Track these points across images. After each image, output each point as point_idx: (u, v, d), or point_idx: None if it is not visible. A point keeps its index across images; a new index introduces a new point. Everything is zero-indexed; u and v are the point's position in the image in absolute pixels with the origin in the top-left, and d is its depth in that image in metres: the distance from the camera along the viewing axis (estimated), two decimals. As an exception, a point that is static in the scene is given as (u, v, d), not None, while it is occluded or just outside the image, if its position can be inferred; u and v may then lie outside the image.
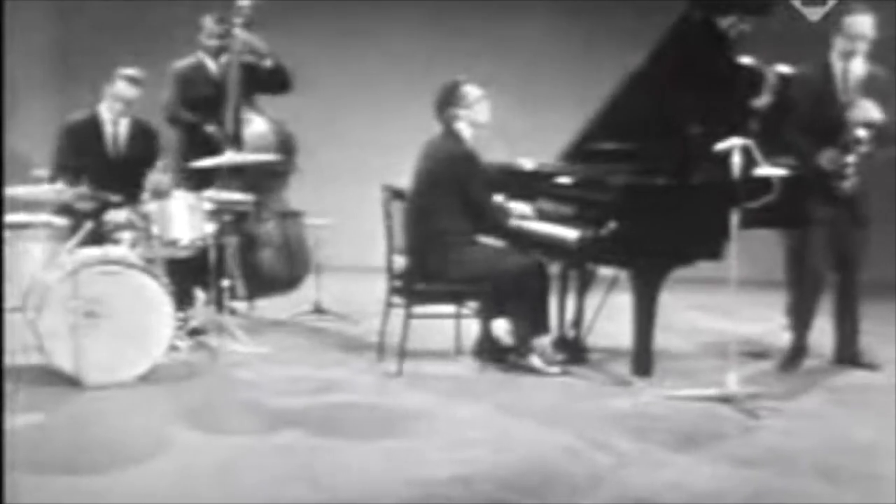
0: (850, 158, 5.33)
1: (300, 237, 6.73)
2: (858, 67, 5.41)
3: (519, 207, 5.64)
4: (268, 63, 6.40)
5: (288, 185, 6.71)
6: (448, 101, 5.45)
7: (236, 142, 6.29)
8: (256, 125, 6.50)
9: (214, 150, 6.10)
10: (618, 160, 5.64)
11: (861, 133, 5.28)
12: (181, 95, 6.46)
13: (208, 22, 6.48)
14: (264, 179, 6.46)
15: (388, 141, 8.06)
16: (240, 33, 6.31)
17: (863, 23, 5.35)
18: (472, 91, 5.46)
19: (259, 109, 6.57)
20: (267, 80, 6.44)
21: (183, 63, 6.52)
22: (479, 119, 5.48)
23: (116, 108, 5.84)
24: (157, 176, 5.76)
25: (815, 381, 5.41)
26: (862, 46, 5.38)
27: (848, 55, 5.40)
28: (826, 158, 5.34)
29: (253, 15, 6.32)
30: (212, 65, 6.52)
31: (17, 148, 7.01)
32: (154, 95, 6.28)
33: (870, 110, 5.28)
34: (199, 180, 5.94)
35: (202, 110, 6.41)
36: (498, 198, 5.65)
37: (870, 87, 5.37)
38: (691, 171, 5.27)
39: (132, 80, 5.83)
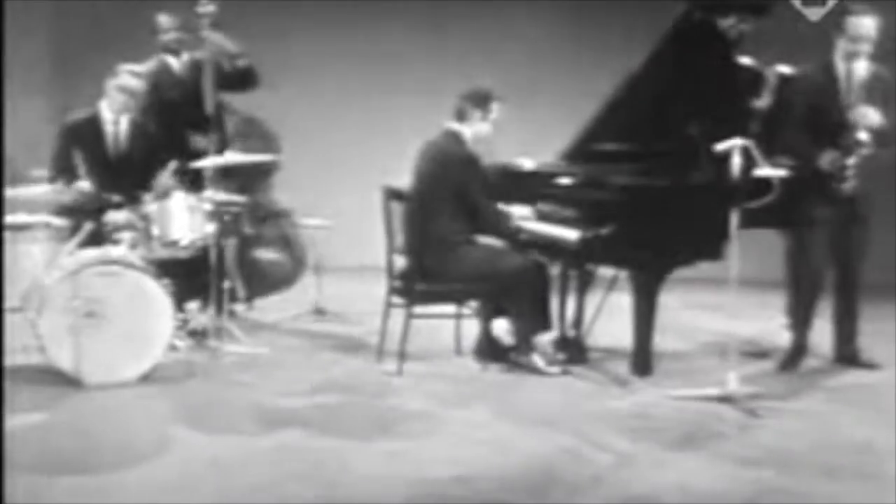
0: (851, 161, 5.32)
1: (294, 235, 6.73)
2: (862, 69, 5.39)
3: (519, 211, 5.63)
4: (240, 63, 6.32)
5: (273, 183, 6.69)
6: (476, 100, 5.49)
7: (223, 143, 6.25)
8: (235, 125, 6.47)
9: (197, 155, 6.05)
10: (618, 160, 5.64)
11: (863, 136, 5.28)
12: (151, 100, 6.29)
13: (162, 19, 6.38)
14: (252, 179, 6.44)
15: (388, 141, 8.06)
16: (210, 35, 6.21)
17: (866, 24, 5.34)
18: (496, 108, 5.52)
19: (236, 108, 6.52)
20: (233, 79, 6.35)
21: (146, 67, 6.32)
22: (483, 131, 5.50)
23: (120, 100, 5.80)
24: (165, 179, 5.73)
25: (814, 381, 5.42)
26: (865, 48, 5.36)
27: (851, 56, 5.39)
28: (826, 160, 5.34)
29: (219, 14, 6.21)
30: (175, 64, 6.43)
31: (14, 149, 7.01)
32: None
33: (869, 116, 5.28)
34: (189, 183, 5.92)
35: (175, 113, 6.33)
36: (500, 204, 5.64)
37: (873, 89, 5.36)
38: (691, 171, 5.27)
39: (135, 74, 5.82)
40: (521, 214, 5.61)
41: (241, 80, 6.34)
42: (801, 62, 5.61)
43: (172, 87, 6.38)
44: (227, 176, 6.09)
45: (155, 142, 6.03)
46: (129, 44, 6.51)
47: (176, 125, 6.28)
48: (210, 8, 6.09)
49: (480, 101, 5.50)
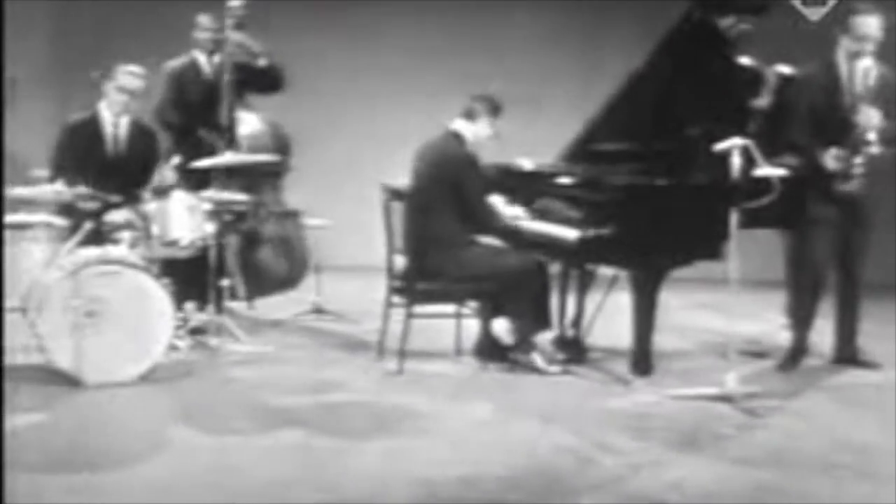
0: (858, 160, 5.32)
1: (298, 236, 6.74)
2: (866, 68, 5.38)
3: (512, 211, 5.63)
4: (261, 62, 6.37)
5: (283, 184, 6.71)
6: (488, 104, 5.52)
7: (231, 142, 6.27)
8: (250, 125, 6.50)
9: (207, 152, 6.08)
10: (618, 160, 5.64)
11: (870, 136, 5.27)
12: (173, 96, 6.42)
13: (202, 18, 6.44)
14: (260, 179, 6.46)
15: (388, 141, 8.05)
16: (232, 34, 6.27)
17: (871, 24, 5.33)
18: (501, 120, 5.55)
19: (253, 109, 6.55)
20: (259, 80, 6.40)
21: (176, 63, 6.48)
22: (484, 135, 5.52)
23: (119, 100, 5.80)
24: (166, 172, 5.74)
25: (814, 381, 5.42)
26: (869, 47, 5.35)
27: (855, 56, 5.38)
28: (832, 157, 5.32)
29: (245, 15, 6.27)
30: (205, 63, 6.48)
31: (15, 148, 7.01)
32: (151, 96, 6.26)
33: (873, 118, 5.27)
34: (195, 181, 5.94)
35: (195, 111, 6.38)
36: (496, 199, 5.65)
37: (880, 89, 5.34)
38: (691, 171, 5.27)
39: (134, 74, 5.82)
40: (511, 214, 5.61)
41: (265, 79, 6.38)
42: (801, 62, 5.60)
43: (196, 84, 6.44)
44: (233, 175, 6.11)
45: (156, 141, 6.04)
46: (131, 44, 6.53)
47: (192, 122, 6.32)
48: (237, 9, 6.16)
49: (492, 107, 5.53)
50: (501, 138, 5.56)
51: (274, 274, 6.59)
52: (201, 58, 6.50)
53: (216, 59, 6.45)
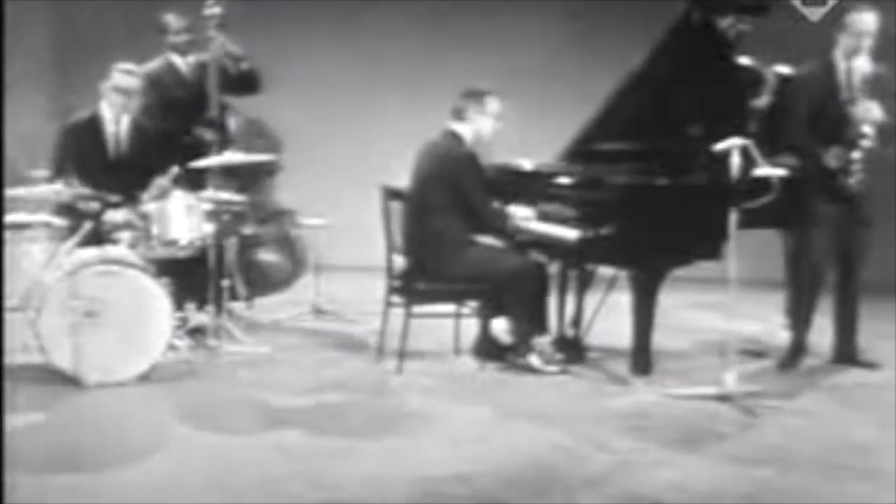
0: (856, 155, 5.33)
1: (295, 235, 6.75)
2: (862, 65, 5.39)
3: (520, 211, 5.62)
4: (243, 66, 6.34)
5: (276, 183, 6.71)
6: (470, 96, 5.51)
7: (226, 142, 6.26)
8: (241, 126, 6.49)
9: (204, 152, 6.07)
10: (618, 160, 5.64)
11: (866, 130, 5.29)
12: (156, 100, 6.31)
13: (171, 19, 6.38)
14: (254, 179, 6.46)
15: (388, 141, 8.06)
16: (216, 35, 6.22)
17: (867, 20, 5.35)
18: (493, 103, 5.53)
19: (238, 109, 6.53)
20: (238, 82, 6.37)
21: (152, 65, 6.37)
22: (483, 128, 5.52)
23: (118, 101, 5.79)
24: (162, 182, 5.72)
25: (814, 380, 5.42)
26: (866, 43, 5.37)
27: (852, 53, 5.40)
28: (832, 155, 5.33)
29: (226, 14, 6.21)
30: (181, 64, 6.43)
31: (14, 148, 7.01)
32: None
33: (873, 110, 5.29)
34: (191, 181, 5.93)
35: (183, 113, 6.36)
36: (497, 203, 5.65)
37: (874, 86, 5.36)
38: (691, 171, 5.27)
39: (129, 72, 5.80)
40: (522, 215, 5.61)
41: (244, 83, 6.36)
42: (801, 62, 5.61)
43: (177, 87, 6.39)
44: (229, 176, 6.11)
45: (155, 142, 6.02)
46: (130, 43, 6.52)
47: (179, 124, 6.29)
48: (216, 10, 6.11)
49: (474, 97, 5.51)
50: (502, 123, 5.54)
51: (272, 273, 6.60)
52: (177, 60, 6.42)
53: (191, 59, 6.41)
